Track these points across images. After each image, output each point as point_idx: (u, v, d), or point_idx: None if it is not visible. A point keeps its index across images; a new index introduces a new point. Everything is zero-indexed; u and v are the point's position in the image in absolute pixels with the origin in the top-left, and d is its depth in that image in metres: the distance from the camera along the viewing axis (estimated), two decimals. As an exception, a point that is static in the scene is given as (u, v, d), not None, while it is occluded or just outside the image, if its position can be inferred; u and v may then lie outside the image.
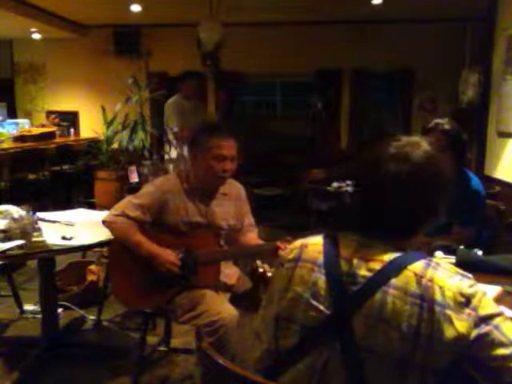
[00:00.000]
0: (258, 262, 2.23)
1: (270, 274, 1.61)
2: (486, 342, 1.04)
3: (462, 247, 2.05)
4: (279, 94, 7.56)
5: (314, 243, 1.22)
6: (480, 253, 2.03)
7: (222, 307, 2.14)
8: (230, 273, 2.41)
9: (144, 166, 5.47)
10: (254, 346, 1.24)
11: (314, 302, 1.13)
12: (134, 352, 2.53)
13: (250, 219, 2.53)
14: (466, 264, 1.93)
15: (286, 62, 6.63)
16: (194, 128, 3.01)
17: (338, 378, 1.09)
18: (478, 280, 1.72)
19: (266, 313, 1.25)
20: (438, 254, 2.01)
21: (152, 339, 2.84)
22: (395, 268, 1.09)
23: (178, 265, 2.21)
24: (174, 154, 5.29)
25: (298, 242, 1.26)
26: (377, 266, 1.11)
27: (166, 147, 5.40)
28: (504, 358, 1.04)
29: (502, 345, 1.04)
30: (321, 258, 1.17)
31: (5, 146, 5.36)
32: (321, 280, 1.15)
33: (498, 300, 1.60)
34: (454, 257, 1.98)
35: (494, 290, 1.68)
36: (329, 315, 1.12)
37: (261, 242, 2.45)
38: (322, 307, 1.13)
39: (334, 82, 6.94)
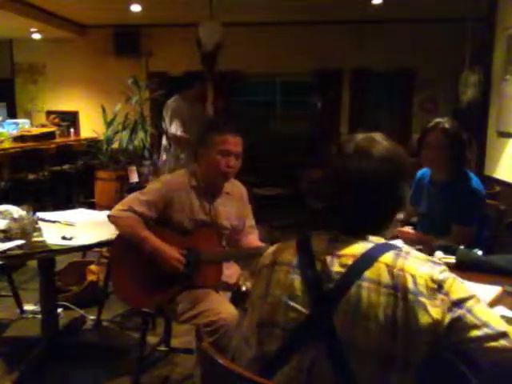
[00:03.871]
0: (240, 281, 2.24)
1: None
2: (460, 326, 1.08)
3: (461, 247, 2.05)
4: (279, 93, 7.55)
5: (288, 246, 1.25)
6: (480, 253, 2.03)
7: (222, 307, 2.14)
8: (230, 273, 2.41)
9: (144, 166, 5.46)
10: (244, 351, 1.25)
11: (293, 304, 1.15)
12: (134, 352, 2.52)
13: (251, 221, 2.53)
14: (466, 264, 1.93)
15: (286, 62, 6.63)
16: (195, 132, 2.97)
17: (325, 377, 1.10)
18: (478, 280, 1.73)
19: (250, 319, 1.27)
20: (438, 254, 2.01)
21: (152, 339, 2.85)
22: (367, 261, 1.12)
23: (183, 262, 2.21)
24: (164, 156, 5.16)
25: (273, 247, 1.29)
26: (349, 261, 1.13)
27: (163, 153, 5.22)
28: (478, 339, 1.07)
29: (475, 327, 1.07)
30: (295, 260, 1.19)
31: (5, 145, 5.36)
32: (297, 281, 1.16)
33: (498, 300, 1.60)
34: (453, 257, 1.98)
35: (494, 289, 1.68)
36: (308, 315, 1.13)
37: (262, 244, 2.45)
38: (300, 307, 1.14)
39: (333, 82, 6.94)
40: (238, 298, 2.15)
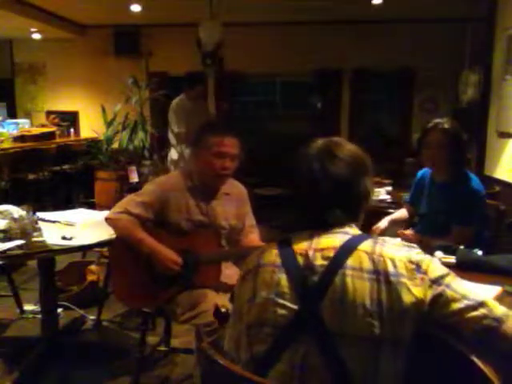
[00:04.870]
0: (219, 302, 2.23)
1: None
2: (442, 301, 1.15)
3: (461, 247, 2.05)
4: (279, 93, 7.55)
5: (270, 248, 1.28)
6: (480, 253, 2.03)
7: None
8: (230, 273, 2.40)
9: (144, 166, 5.46)
10: (237, 356, 1.26)
11: (281, 301, 1.17)
12: (134, 352, 2.52)
13: (251, 220, 2.53)
14: (466, 264, 1.93)
15: (286, 61, 6.63)
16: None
17: (318, 370, 1.11)
18: (478, 280, 1.73)
19: (234, 331, 1.28)
20: (438, 254, 2.00)
21: (152, 339, 2.85)
22: (347, 251, 1.17)
23: (180, 263, 2.21)
24: (175, 155, 5.20)
25: (255, 251, 1.32)
26: (330, 253, 1.17)
27: (169, 149, 5.33)
28: (459, 311, 1.15)
29: (455, 300, 1.15)
30: (278, 260, 1.22)
31: (5, 145, 5.35)
32: (283, 279, 1.19)
33: (498, 300, 1.60)
34: (453, 257, 1.98)
35: (494, 289, 1.68)
36: (297, 310, 1.16)
37: (262, 243, 2.45)
38: (289, 304, 1.17)
39: (333, 81, 6.93)
40: (218, 319, 2.14)
